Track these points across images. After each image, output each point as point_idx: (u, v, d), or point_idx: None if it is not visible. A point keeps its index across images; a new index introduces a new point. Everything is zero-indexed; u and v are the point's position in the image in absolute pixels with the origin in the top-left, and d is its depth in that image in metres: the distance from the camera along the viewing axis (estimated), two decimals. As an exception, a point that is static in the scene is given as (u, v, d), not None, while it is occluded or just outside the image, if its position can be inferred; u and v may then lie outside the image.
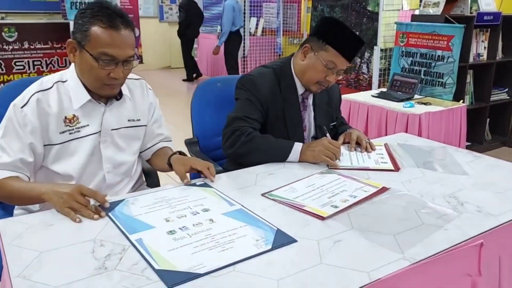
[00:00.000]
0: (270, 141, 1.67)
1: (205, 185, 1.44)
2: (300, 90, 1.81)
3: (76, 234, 1.12)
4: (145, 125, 1.60)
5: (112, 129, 1.49)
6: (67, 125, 1.40)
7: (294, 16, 7.00)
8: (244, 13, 6.56)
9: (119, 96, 1.48)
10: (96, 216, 1.19)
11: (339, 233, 1.14)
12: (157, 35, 8.72)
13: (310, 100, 1.87)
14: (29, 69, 4.52)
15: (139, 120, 1.57)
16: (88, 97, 1.42)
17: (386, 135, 3.26)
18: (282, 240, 1.09)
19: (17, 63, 4.46)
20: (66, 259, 1.02)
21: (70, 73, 1.44)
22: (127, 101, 1.53)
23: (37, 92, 1.38)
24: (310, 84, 1.74)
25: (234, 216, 1.22)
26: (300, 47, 1.78)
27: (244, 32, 6.71)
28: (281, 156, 1.64)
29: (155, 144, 1.66)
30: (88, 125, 1.44)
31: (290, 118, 1.79)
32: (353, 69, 6.24)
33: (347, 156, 1.70)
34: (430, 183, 1.47)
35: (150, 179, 1.81)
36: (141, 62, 7.04)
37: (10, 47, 4.43)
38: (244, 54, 6.87)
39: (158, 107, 1.67)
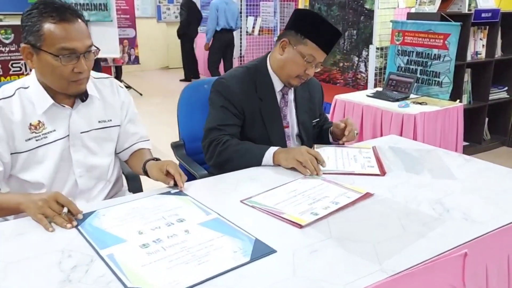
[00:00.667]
0: (244, 147, 1.65)
1: (180, 193, 1.37)
2: (278, 86, 1.78)
3: (45, 244, 1.09)
4: (118, 125, 1.55)
5: (81, 132, 1.44)
6: (32, 132, 1.36)
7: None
8: (241, 12, 6.52)
9: (84, 97, 1.43)
10: (68, 225, 1.14)
11: (316, 242, 1.09)
12: (155, 35, 8.68)
13: (291, 96, 1.84)
14: (26, 70, 4.51)
15: (110, 120, 1.52)
16: (51, 101, 1.37)
17: (381, 136, 3.21)
18: (261, 250, 1.04)
19: (13, 65, 4.46)
20: (31, 270, 0.98)
21: (31, 79, 1.39)
22: (96, 101, 1.48)
23: None
24: (290, 78, 1.72)
25: (211, 226, 1.16)
26: (277, 41, 1.75)
27: (240, 31, 6.66)
28: (256, 160, 1.61)
29: (132, 145, 1.60)
30: (54, 130, 1.39)
31: (267, 116, 1.76)
32: (351, 68, 6.20)
33: (333, 160, 1.65)
34: (417, 188, 1.42)
35: (132, 183, 1.76)
36: (137, 62, 7.00)
37: (7, 49, 4.43)
38: (241, 53, 6.83)
39: (133, 105, 1.62)
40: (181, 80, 7.53)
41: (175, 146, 2.08)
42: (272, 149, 1.60)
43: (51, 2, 1.29)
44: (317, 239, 1.11)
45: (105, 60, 6.32)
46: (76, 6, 5.51)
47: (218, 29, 6.23)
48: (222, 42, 6.34)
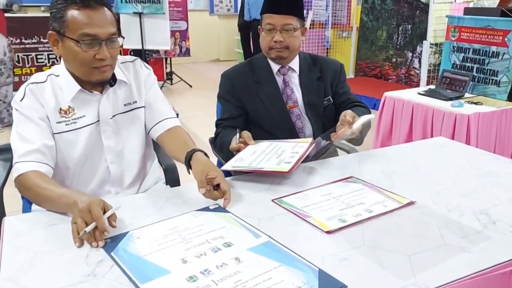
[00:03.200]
0: (222, 137, 1.77)
1: (220, 209, 1.24)
2: (275, 68, 1.83)
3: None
4: (143, 106, 1.53)
5: (111, 117, 1.44)
6: (62, 116, 1.38)
7: (344, 9, 6.78)
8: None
9: (113, 81, 1.43)
10: (94, 243, 1.05)
11: (346, 250, 1.04)
12: (207, 28, 8.76)
13: (293, 76, 1.84)
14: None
15: (136, 102, 1.50)
16: (78, 87, 1.38)
17: (432, 136, 3.06)
18: (328, 285, 0.90)
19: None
20: (58, 262, 1.00)
21: (61, 67, 1.41)
22: (122, 85, 1.47)
23: (30, 84, 1.37)
24: (267, 54, 1.80)
25: (264, 252, 1.02)
26: None
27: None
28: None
29: (159, 122, 1.52)
30: (84, 116, 1.41)
31: (266, 97, 1.81)
32: (404, 64, 5.97)
33: (255, 156, 1.50)
34: (461, 196, 1.33)
35: (169, 175, 1.75)
36: (188, 55, 7.10)
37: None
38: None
39: (156, 85, 1.58)
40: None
41: (212, 142, 2.06)
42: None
43: None
44: (348, 247, 1.05)
45: (157, 51, 6.46)
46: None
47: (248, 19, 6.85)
48: (250, 32, 6.95)
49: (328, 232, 1.11)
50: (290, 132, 1.79)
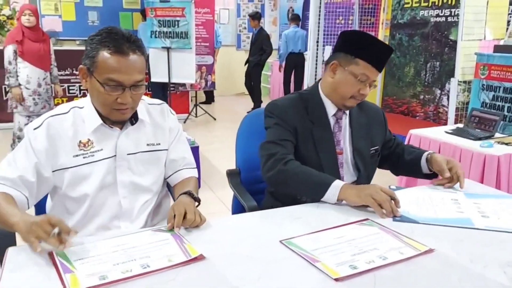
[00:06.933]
0: (307, 172, 1.54)
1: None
2: (332, 110, 1.72)
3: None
4: (166, 149, 1.56)
5: (128, 154, 1.46)
6: (81, 149, 1.40)
7: (371, 45, 6.77)
8: (318, 41, 6.49)
9: (134, 120, 1.46)
10: (61, 246, 1.09)
11: (356, 301, 0.95)
12: (234, 62, 8.90)
13: (346, 121, 1.74)
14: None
15: (159, 144, 1.53)
16: (100, 121, 1.41)
17: (459, 176, 2.92)
18: None
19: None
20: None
21: (86, 100, 1.45)
22: (146, 125, 1.51)
23: (51, 116, 1.40)
24: (344, 99, 1.67)
25: None
26: (327, 65, 1.71)
27: (316, 60, 6.62)
28: (318, 191, 1.49)
29: (177, 171, 1.59)
30: (102, 149, 1.42)
31: (319, 140, 1.68)
32: (432, 101, 5.85)
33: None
34: (486, 245, 1.22)
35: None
36: (213, 88, 7.21)
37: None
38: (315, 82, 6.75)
39: (182, 133, 1.64)
40: (253, 108, 7.62)
41: (230, 174, 2.03)
42: (338, 183, 1.48)
43: (115, 32, 1.33)
44: (357, 297, 0.97)
45: (183, 85, 6.57)
46: (160, 34, 5.86)
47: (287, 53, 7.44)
48: (286, 68, 7.56)
49: (337, 280, 1.02)
50: None
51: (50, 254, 1.12)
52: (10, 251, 1.17)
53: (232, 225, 1.37)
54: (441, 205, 1.48)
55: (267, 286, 1.01)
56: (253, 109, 7.55)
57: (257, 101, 7.57)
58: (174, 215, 1.28)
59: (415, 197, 1.54)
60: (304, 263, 1.11)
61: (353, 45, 1.62)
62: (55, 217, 1.15)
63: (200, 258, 1.12)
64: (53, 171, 1.39)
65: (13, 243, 1.47)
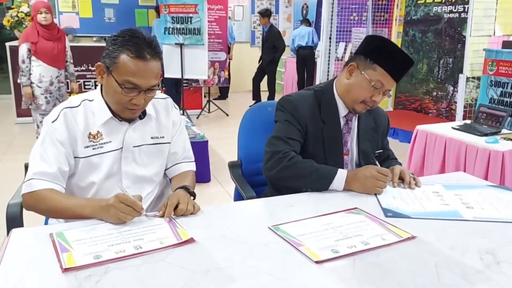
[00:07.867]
0: (312, 166, 1.58)
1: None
2: (343, 111, 1.73)
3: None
4: (169, 143, 1.62)
5: (134, 146, 1.52)
6: (91, 141, 1.47)
7: (384, 42, 6.74)
8: (330, 38, 6.49)
9: (142, 115, 1.52)
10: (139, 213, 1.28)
11: (333, 282, 1.00)
12: (247, 58, 8.93)
13: (354, 123, 1.76)
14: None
15: (163, 137, 1.60)
16: (110, 115, 1.47)
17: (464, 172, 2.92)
18: None
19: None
20: (49, 280, 1.01)
21: (96, 93, 1.51)
22: (152, 120, 1.57)
23: (65, 108, 1.47)
24: (355, 103, 1.67)
25: None
26: (345, 66, 1.70)
27: (329, 57, 6.62)
28: (323, 184, 1.55)
29: (175, 164, 1.65)
30: (110, 141, 1.49)
31: (329, 140, 1.71)
32: (445, 97, 5.81)
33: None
34: (469, 234, 1.25)
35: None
36: (226, 84, 7.27)
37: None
38: (328, 79, 6.75)
39: (183, 127, 1.69)
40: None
41: (231, 166, 2.09)
42: (342, 173, 1.55)
43: (137, 36, 1.38)
44: (335, 279, 1.01)
45: (196, 81, 6.65)
46: (173, 30, 5.93)
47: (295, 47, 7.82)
48: (298, 63, 7.84)
49: (317, 262, 1.07)
50: None
51: (50, 235, 1.19)
52: (14, 232, 1.24)
53: (225, 212, 1.42)
54: (425, 199, 1.51)
55: (250, 267, 1.06)
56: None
57: (270, 96, 7.57)
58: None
59: (398, 193, 1.57)
60: (289, 247, 1.16)
61: (374, 50, 1.62)
62: (125, 197, 1.28)
63: (190, 241, 1.18)
64: (74, 158, 1.47)
65: (20, 226, 1.56)
